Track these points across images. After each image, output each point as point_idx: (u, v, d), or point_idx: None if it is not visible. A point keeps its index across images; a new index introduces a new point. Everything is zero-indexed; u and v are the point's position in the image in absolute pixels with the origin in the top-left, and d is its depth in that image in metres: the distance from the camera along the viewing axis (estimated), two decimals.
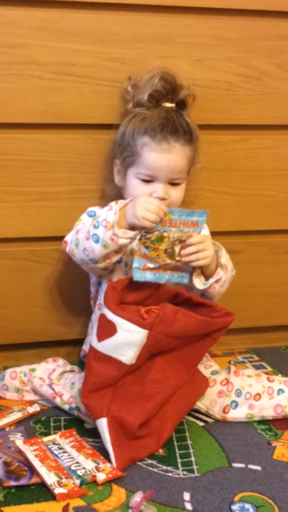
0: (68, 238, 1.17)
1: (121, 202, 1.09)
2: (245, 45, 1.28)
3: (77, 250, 1.14)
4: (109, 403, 1.05)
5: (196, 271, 1.16)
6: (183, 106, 1.21)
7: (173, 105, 1.19)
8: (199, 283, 1.16)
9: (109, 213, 1.08)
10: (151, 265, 1.10)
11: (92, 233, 1.09)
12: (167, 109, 1.17)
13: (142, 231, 1.08)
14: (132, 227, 1.08)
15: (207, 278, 1.17)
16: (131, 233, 1.07)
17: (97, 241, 1.09)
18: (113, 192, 1.26)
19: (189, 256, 1.10)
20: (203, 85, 1.27)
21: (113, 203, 1.10)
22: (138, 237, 1.08)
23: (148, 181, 1.16)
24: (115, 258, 1.12)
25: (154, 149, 1.14)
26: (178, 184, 1.18)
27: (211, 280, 1.16)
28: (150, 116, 1.16)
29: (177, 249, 1.10)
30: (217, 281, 1.17)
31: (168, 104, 1.18)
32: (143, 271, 1.10)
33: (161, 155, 1.14)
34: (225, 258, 1.19)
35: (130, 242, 1.09)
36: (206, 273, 1.17)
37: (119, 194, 1.25)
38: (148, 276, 1.10)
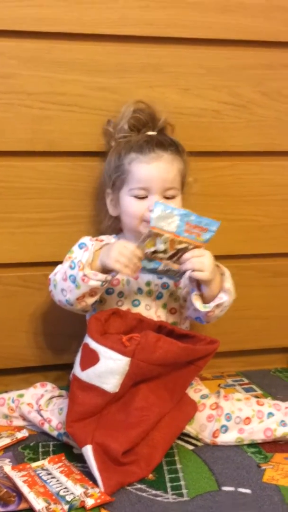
0: (51, 276, 1.16)
1: (96, 244, 1.09)
2: (231, 74, 1.31)
3: (55, 291, 1.14)
4: (93, 430, 1.05)
5: (196, 292, 1.14)
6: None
7: (154, 133, 1.21)
8: (199, 305, 1.13)
9: (84, 253, 1.08)
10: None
11: (69, 274, 1.09)
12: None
13: (148, 238, 1.07)
14: (104, 271, 1.08)
15: (208, 301, 1.15)
16: (101, 276, 1.07)
17: (74, 281, 1.09)
18: (108, 224, 1.26)
19: (185, 264, 1.09)
20: (191, 113, 1.30)
21: (89, 244, 1.10)
22: (149, 252, 1.08)
23: (142, 197, 1.16)
24: (90, 301, 1.11)
25: (143, 160, 1.15)
26: (173, 197, 1.17)
27: (212, 304, 1.13)
28: (134, 138, 1.19)
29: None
30: (218, 305, 1.14)
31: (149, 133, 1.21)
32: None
33: (150, 165, 1.14)
34: (229, 283, 1.17)
35: (102, 285, 1.08)
36: (207, 295, 1.14)
37: (114, 225, 1.25)
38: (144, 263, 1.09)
